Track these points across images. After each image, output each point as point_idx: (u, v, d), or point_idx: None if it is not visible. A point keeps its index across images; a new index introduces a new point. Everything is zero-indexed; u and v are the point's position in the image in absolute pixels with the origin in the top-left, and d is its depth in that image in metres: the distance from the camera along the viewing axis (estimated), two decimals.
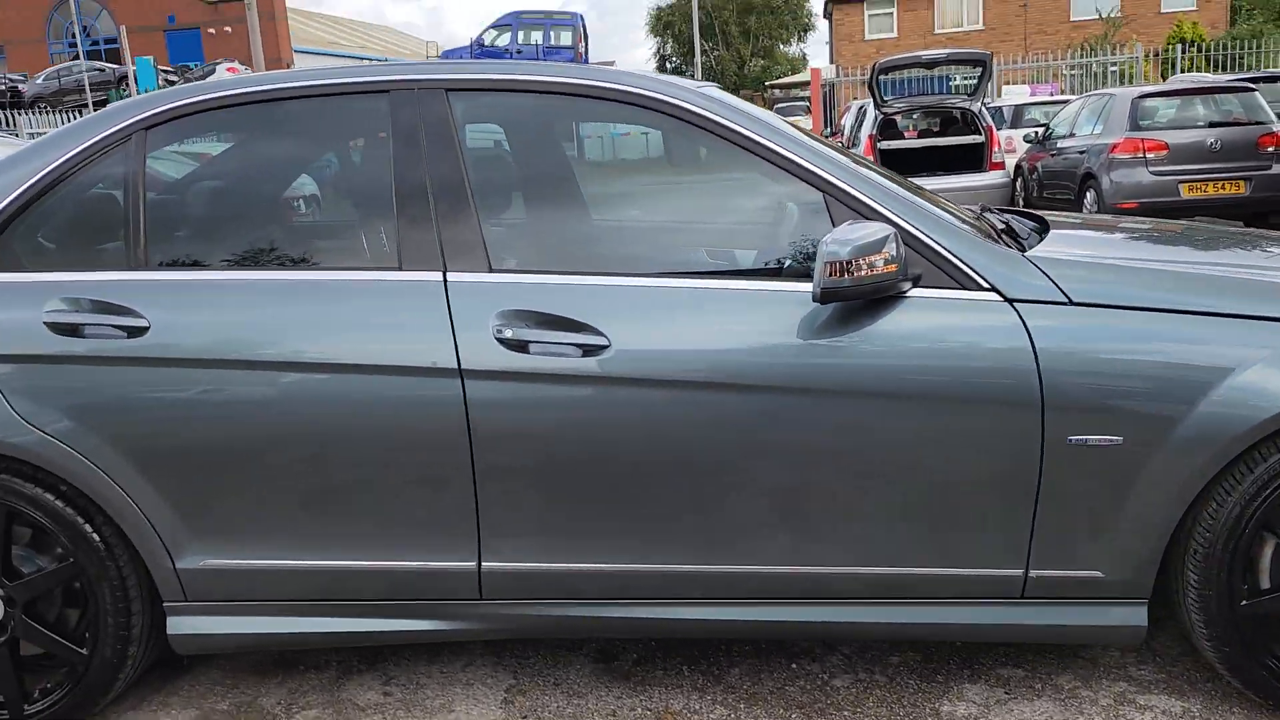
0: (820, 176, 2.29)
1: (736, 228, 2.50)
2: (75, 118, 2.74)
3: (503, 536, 2.33)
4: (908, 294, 2.19)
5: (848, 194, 2.27)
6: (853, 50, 37.34)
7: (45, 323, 2.35)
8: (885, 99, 11.32)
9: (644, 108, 2.37)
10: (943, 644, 2.70)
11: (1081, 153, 10.84)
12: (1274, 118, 10.07)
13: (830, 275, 2.08)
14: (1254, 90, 10.34)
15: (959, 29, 37.09)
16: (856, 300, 2.14)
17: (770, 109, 4.83)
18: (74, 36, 36.14)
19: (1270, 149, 9.78)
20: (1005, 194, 11.16)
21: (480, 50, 28.50)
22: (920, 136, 11.64)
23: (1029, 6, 36.81)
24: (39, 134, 14.43)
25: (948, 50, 12.28)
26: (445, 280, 2.31)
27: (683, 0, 47.54)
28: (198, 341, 2.32)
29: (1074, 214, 2.86)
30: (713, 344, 2.22)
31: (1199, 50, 24.99)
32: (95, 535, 2.41)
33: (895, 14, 38.24)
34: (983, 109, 11.40)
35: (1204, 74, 19.09)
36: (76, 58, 32.44)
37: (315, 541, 2.38)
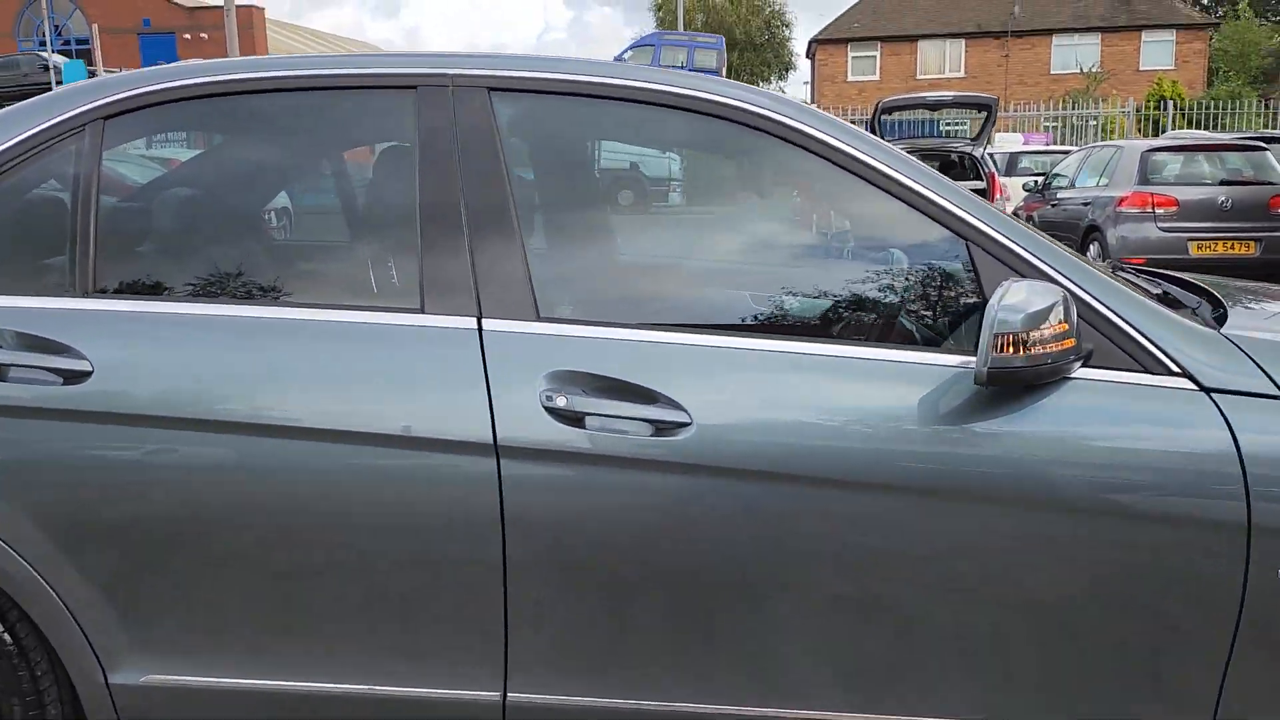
0: (968, 222, 1.81)
1: (839, 279, 2.02)
2: None
3: (538, 663, 1.82)
4: (1073, 375, 1.72)
5: (1004, 245, 1.79)
6: (835, 90, 37.31)
7: None
8: (885, 139, 10.99)
9: (757, 129, 1.87)
10: None
11: (1086, 204, 10.54)
12: None
13: (1001, 351, 1.60)
14: (1266, 150, 10.11)
15: (941, 75, 37.23)
16: (1020, 383, 1.66)
17: None
18: (44, 35, 35.27)
19: None
20: None
21: None
22: None
23: (1010, 57, 37.04)
24: None
25: (954, 93, 12.00)
26: (480, 328, 1.81)
27: None
28: (153, 392, 1.80)
29: (1217, 278, 2.42)
30: (825, 427, 1.73)
31: (1178, 109, 25.12)
32: (5, 635, 1.86)
33: (878, 57, 38.31)
34: (985, 154, 11.11)
35: (1200, 131, 19.06)
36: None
37: (291, 659, 1.85)
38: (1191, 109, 25.38)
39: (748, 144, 1.97)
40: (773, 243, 2.20)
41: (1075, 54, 35.68)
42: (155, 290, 1.94)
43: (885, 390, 1.75)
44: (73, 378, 1.80)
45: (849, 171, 1.85)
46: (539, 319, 1.82)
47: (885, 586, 1.75)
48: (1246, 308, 2.14)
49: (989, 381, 1.62)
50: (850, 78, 38.35)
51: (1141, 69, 35.58)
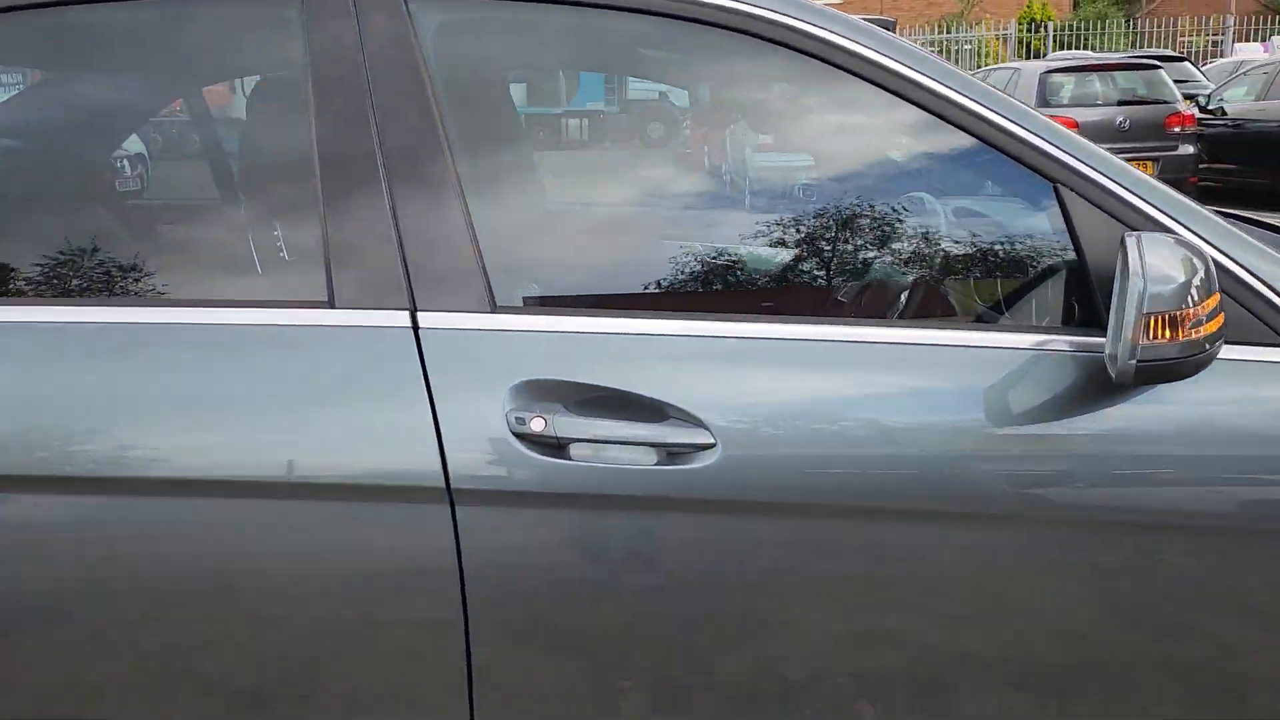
0: (1060, 160, 1.38)
1: (885, 239, 1.57)
2: None
3: None
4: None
5: (1112, 191, 1.37)
6: None
7: None
8: None
9: (760, 38, 1.39)
10: None
11: None
12: (1179, 97, 9.83)
13: (1154, 336, 1.19)
14: (1160, 67, 10.06)
15: None
16: (1176, 379, 1.25)
17: None
18: None
19: (1177, 129, 9.51)
20: None
21: None
22: None
23: None
24: None
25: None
26: (415, 325, 1.31)
27: None
28: None
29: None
30: (895, 441, 1.30)
31: (1047, 31, 25.41)
32: None
33: None
34: None
35: (1080, 51, 19.23)
36: None
37: None
38: (1061, 31, 25.69)
39: (758, 64, 1.49)
40: (809, 192, 1.74)
41: None
42: None
43: (965, 382, 1.33)
44: None
45: (908, 102, 1.39)
46: (495, 309, 1.33)
47: (990, 641, 1.35)
48: None
49: (1137, 379, 1.21)
50: None
51: None
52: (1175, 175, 9.38)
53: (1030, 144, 1.37)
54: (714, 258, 1.57)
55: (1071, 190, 1.37)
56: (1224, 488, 1.32)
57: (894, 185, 1.56)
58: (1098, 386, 1.29)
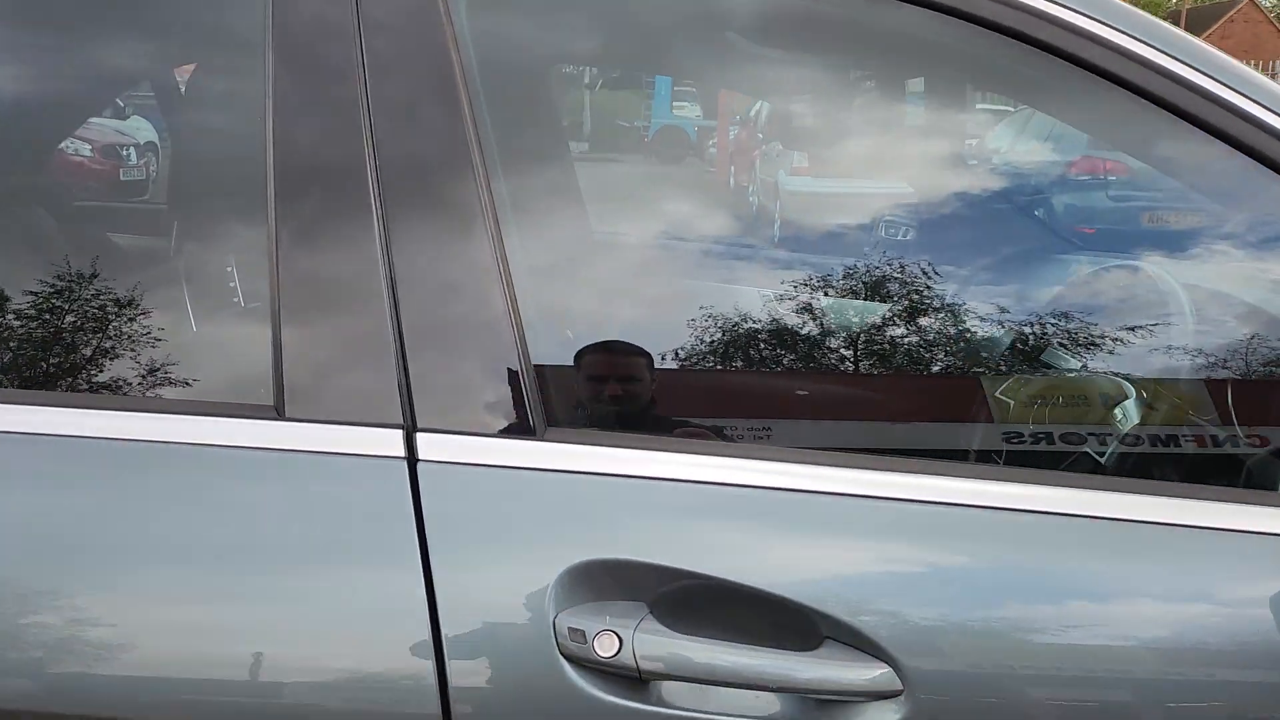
0: None
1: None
2: None
3: None
4: None
5: None
6: None
7: None
8: None
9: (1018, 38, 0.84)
10: None
11: None
12: None
13: None
14: None
15: None
16: None
17: None
18: None
19: None
20: None
21: None
22: None
23: None
24: None
25: None
26: (412, 455, 0.79)
27: None
28: None
29: None
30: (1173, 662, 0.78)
31: None
32: None
33: None
34: None
35: None
36: None
37: None
38: None
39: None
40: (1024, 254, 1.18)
41: None
42: None
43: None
44: None
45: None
46: (544, 435, 0.81)
47: None
48: None
49: None
50: None
51: None
52: None
53: None
54: (915, 366, 1.03)
55: None
56: None
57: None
58: None
